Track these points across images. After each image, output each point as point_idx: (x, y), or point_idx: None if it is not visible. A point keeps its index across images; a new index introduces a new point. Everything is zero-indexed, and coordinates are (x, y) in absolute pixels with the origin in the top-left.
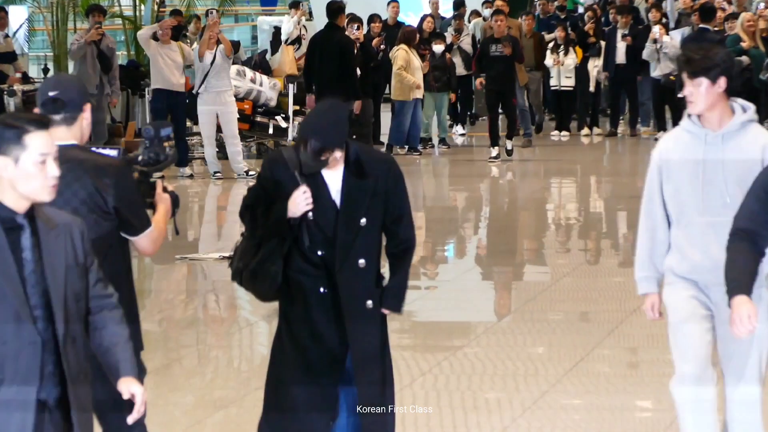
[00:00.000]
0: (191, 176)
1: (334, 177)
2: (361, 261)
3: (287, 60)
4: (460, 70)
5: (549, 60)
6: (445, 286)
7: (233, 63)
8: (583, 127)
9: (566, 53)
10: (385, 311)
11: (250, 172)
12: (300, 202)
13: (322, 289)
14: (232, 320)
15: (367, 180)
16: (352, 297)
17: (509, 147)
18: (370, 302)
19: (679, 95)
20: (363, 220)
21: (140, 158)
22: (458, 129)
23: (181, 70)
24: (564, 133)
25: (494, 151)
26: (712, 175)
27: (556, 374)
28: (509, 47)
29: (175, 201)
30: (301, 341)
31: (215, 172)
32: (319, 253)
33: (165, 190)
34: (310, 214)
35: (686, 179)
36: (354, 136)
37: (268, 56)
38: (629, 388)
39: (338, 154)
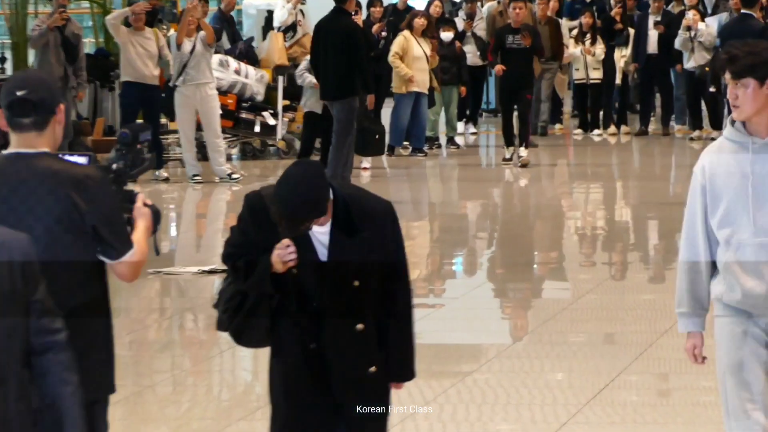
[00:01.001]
0: (167, 180)
1: (320, 231)
2: (359, 326)
3: (276, 48)
4: (475, 59)
5: (575, 49)
6: (452, 304)
7: (215, 52)
8: (609, 125)
9: (593, 42)
10: (399, 386)
11: (234, 176)
12: (282, 257)
13: (312, 345)
14: (212, 342)
15: (357, 237)
16: (350, 365)
17: (524, 154)
18: (373, 368)
19: (712, 89)
20: (356, 282)
21: (114, 166)
22: (469, 127)
23: (156, 61)
24: (597, 131)
25: (508, 152)
26: (762, 189)
27: (577, 403)
28: (528, 37)
29: (156, 216)
30: (290, 399)
31: (194, 175)
32: (314, 304)
33: (145, 204)
34: (292, 271)
35: (733, 196)
36: (377, 136)
37: (255, 44)
38: (659, 419)
39: (322, 219)
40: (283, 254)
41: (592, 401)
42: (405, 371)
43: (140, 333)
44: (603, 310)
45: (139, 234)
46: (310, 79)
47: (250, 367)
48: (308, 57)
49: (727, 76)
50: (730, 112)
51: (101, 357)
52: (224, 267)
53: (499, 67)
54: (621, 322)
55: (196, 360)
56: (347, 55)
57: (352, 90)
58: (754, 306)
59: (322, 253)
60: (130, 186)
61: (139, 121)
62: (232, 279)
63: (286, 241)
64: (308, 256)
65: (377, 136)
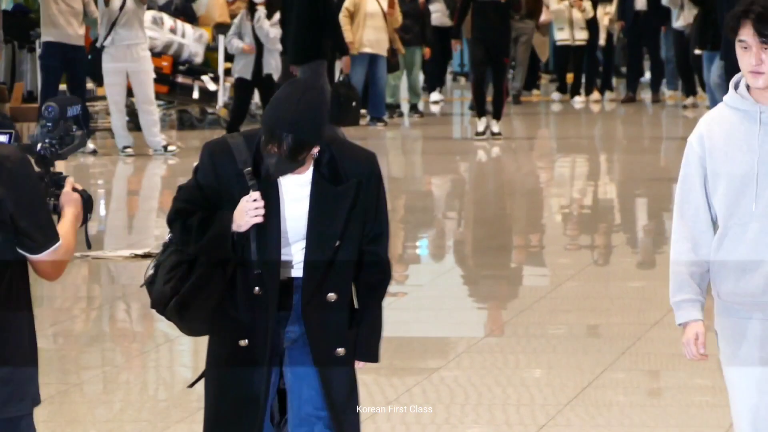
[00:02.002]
0: (94, 152)
1: (298, 182)
2: (331, 294)
3: (217, 4)
4: (443, 20)
5: (560, 4)
6: (417, 292)
7: (148, 8)
8: (592, 91)
9: None
10: (361, 364)
11: (170, 148)
12: (248, 210)
13: (245, 342)
14: (147, 335)
15: (342, 186)
16: (319, 342)
17: (495, 129)
18: (341, 349)
19: (697, 52)
20: (337, 242)
21: (39, 145)
22: (434, 95)
23: (80, 18)
24: (579, 98)
25: (481, 125)
26: (765, 167)
27: (557, 404)
28: None
29: (88, 204)
30: (227, 394)
31: (125, 147)
32: (256, 288)
33: (74, 189)
34: (254, 233)
35: (735, 173)
36: (354, 103)
37: None
38: (649, 421)
39: (315, 151)
40: (250, 207)
41: (574, 401)
42: (373, 351)
43: (66, 324)
44: (586, 300)
45: (67, 224)
46: (238, 43)
47: (190, 362)
48: (236, 19)
49: (749, 37)
50: (730, 75)
51: (23, 366)
52: (159, 251)
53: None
54: (606, 313)
55: (130, 355)
56: (316, 15)
57: (319, 53)
58: (752, 299)
59: (299, 211)
60: (57, 168)
61: (62, 86)
62: (179, 241)
63: (254, 194)
64: (277, 212)
65: (354, 104)
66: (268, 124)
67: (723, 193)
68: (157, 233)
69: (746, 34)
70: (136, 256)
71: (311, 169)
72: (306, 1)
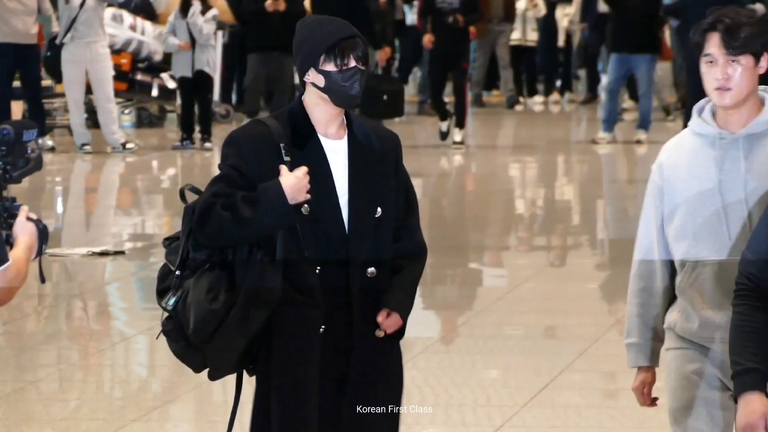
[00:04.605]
0: (53, 149)
1: (336, 149)
2: (371, 270)
3: (177, 1)
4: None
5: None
6: None
7: (108, 6)
8: (551, 92)
9: None
10: (386, 316)
11: (128, 145)
12: (304, 186)
13: (323, 328)
14: (104, 333)
15: (377, 154)
16: (365, 323)
17: (458, 138)
18: (381, 333)
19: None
20: (378, 210)
21: None
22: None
23: (35, 17)
24: (538, 99)
25: (444, 125)
26: (730, 197)
27: (514, 405)
28: (460, 18)
29: (43, 234)
30: (294, 409)
31: (83, 144)
32: (317, 268)
33: (29, 218)
34: (305, 207)
35: (693, 204)
36: (385, 96)
37: None
38: (606, 423)
39: (339, 131)
40: (305, 183)
41: (531, 402)
42: (402, 303)
43: (21, 322)
44: (543, 301)
45: (19, 252)
46: (173, 41)
47: (146, 361)
48: (170, 17)
49: (716, 49)
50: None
51: None
52: (117, 249)
53: (427, 38)
54: (563, 315)
55: (86, 353)
56: (354, 6)
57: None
58: (711, 339)
59: (340, 180)
60: (11, 194)
61: (17, 83)
62: (215, 230)
63: (303, 168)
64: (324, 179)
65: (385, 97)
66: (331, 39)
67: (680, 224)
68: (114, 231)
69: (713, 47)
70: (93, 253)
71: (346, 135)
72: None
